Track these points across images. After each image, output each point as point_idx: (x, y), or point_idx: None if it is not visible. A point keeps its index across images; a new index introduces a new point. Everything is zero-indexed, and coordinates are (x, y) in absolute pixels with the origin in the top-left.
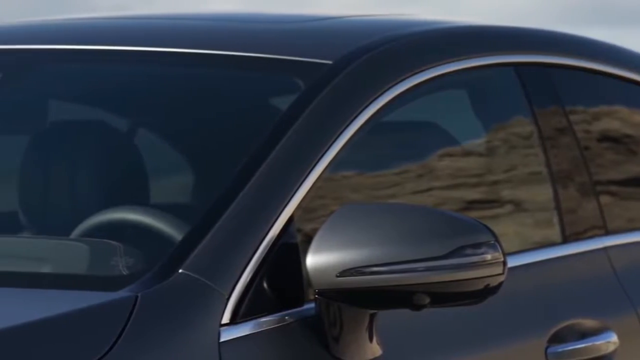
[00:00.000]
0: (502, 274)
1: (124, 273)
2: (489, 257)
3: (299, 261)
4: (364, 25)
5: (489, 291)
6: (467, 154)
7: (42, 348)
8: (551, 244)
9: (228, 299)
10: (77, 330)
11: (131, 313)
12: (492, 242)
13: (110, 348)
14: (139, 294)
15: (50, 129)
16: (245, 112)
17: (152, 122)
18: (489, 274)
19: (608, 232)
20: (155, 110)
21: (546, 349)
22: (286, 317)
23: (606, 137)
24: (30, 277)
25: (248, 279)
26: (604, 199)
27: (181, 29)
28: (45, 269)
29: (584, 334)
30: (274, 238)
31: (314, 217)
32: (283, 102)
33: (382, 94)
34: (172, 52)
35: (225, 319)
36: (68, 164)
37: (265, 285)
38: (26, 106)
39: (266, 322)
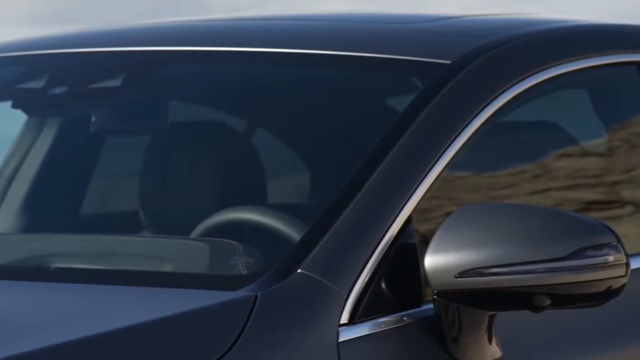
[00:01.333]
0: (625, 275)
1: (244, 273)
2: (611, 258)
3: (417, 262)
4: (483, 24)
5: (611, 293)
6: (587, 154)
7: (163, 346)
8: None
9: (346, 299)
10: (198, 328)
11: (251, 312)
12: (614, 243)
13: (231, 347)
14: (259, 294)
15: (171, 129)
16: (363, 113)
17: (270, 123)
18: (611, 276)
19: None
20: (274, 111)
21: None
22: (404, 318)
23: None
24: (151, 276)
25: (366, 279)
26: None
27: (298, 30)
28: (166, 268)
29: None
30: (392, 238)
31: (429, 217)
32: (401, 103)
33: (501, 93)
34: (289, 53)
35: (344, 319)
36: (188, 164)
37: (383, 285)
38: (147, 107)
39: (384, 322)
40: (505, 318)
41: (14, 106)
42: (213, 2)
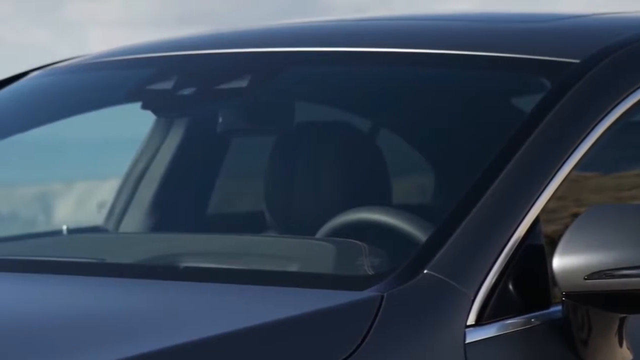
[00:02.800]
0: None
1: (370, 273)
2: None
3: (545, 263)
4: (611, 23)
5: None
6: None
7: (291, 345)
8: None
9: (473, 300)
10: (325, 328)
11: (377, 313)
12: None
13: (358, 347)
14: (385, 294)
15: (296, 130)
16: (489, 112)
17: (394, 123)
18: None
19: None
20: (398, 111)
21: None
22: (532, 320)
23: None
24: (278, 276)
25: (493, 280)
26: None
27: (423, 30)
28: (292, 267)
29: None
30: (520, 239)
31: (556, 218)
32: (528, 102)
33: (630, 93)
34: (415, 53)
35: (471, 320)
36: (313, 165)
37: (510, 286)
38: (273, 108)
39: (512, 324)
40: (637, 320)
41: (144, 107)
42: (336, 3)
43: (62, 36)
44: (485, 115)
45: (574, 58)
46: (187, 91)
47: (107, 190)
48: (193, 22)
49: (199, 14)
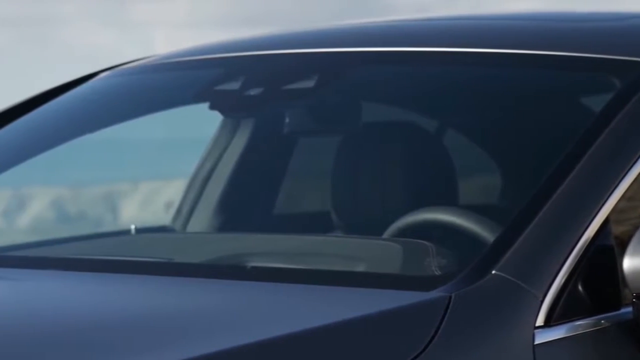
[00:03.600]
0: None
1: (437, 273)
2: None
3: (615, 264)
4: None
5: None
6: None
7: (359, 345)
8: None
9: (542, 301)
10: (393, 329)
11: (445, 313)
12: None
13: (425, 347)
14: (453, 295)
15: (363, 130)
16: (557, 112)
17: (461, 123)
18: None
19: None
20: (465, 111)
21: None
22: (602, 321)
23: None
24: (345, 276)
25: (562, 281)
26: None
27: (489, 30)
28: (359, 268)
29: None
30: (590, 239)
31: (625, 218)
32: (598, 102)
33: None
34: (480, 52)
35: (540, 321)
36: (379, 165)
37: (580, 287)
38: (340, 108)
39: (581, 325)
40: None
41: (212, 107)
42: (399, 3)
43: (128, 37)
44: (554, 114)
45: None
46: (254, 91)
47: (172, 191)
48: (258, 23)
49: (264, 14)
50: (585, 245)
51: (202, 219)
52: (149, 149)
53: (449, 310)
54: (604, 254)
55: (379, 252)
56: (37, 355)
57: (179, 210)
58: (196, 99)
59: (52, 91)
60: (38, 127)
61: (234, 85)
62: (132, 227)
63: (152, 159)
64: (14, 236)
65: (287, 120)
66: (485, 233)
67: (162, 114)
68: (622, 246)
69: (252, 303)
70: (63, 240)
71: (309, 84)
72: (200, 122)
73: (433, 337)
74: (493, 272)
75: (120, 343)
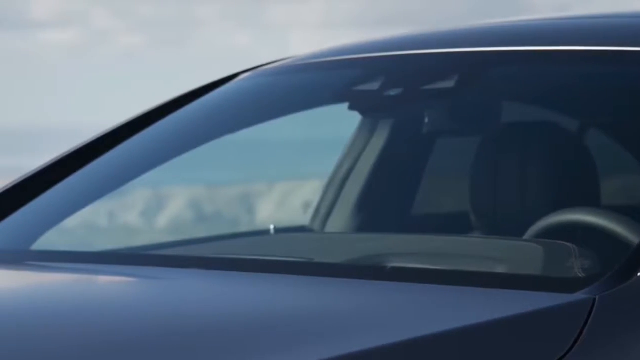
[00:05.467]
0: None
1: (580, 275)
2: None
3: None
4: None
5: None
6: None
7: (502, 346)
8: None
9: None
10: (536, 330)
11: (589, 315)
12: None
13: (569, 350)
14: (597, 297)
15: (502, 130)
16: None
17: (603, 122)
18: None
19: None
20: (607, 110)
21: None
22: None
23: None
24: (486, 277)
25: None
26: None
27: (629, 27)
28: (501, 269)
29: None
30: None
31: None
32: None
33: None
34: (621, 51)
35: None
36: (519, 165)
37: None
38: (480, 108)
39: None
40: None
41: (351, 108)
42: (538, 2)
43: (264, 38)
44: None
45: None
46: (393, 92)
47: (306, 191)
48: (393, 23)
49: (399, 14)
50: None
51: (341, 220)
52: (286, 149)
53: (593, 313)
54: None
55: (521, 254)
56: (188, 350)
57: (317, 211)
58: (335, 99)
59: (195, 92)
60: (180, 128)
61: (373, 86)
62: (272, 227)
63: (289, 159)
64: (153, 236)
65: (426, 120)
66: (628, 234)
67: (301, 114)
68: None
69: (393, 303)
70: (203, 239)
71: (449, 84)
72: (339, 123)
73: (577, 340)
74: (638, 274)
75: (258, 342)
